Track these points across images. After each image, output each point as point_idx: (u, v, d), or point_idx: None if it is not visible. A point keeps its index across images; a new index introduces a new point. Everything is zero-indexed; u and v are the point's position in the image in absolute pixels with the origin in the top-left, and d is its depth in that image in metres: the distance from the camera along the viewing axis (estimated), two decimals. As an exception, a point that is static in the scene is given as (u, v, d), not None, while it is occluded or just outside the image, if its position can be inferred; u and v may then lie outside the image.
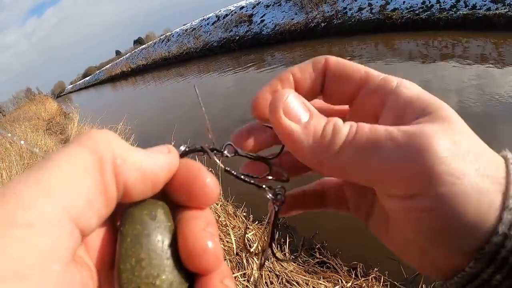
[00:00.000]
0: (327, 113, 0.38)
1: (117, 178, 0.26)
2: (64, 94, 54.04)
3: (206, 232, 0.28)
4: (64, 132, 10.87)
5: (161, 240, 0.27)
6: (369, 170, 0.31)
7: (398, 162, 0.30)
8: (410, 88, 0.35)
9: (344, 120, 0.37)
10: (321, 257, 2.96)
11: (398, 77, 0.38)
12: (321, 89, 0.41)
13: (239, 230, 3.15)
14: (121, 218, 0.28)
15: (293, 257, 2.74)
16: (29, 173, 0.23)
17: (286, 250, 3.06)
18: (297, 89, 0.40)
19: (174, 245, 0.27)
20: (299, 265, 2.88)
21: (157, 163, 0.28)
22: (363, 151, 0.31)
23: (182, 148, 0.36)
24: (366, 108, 0.39)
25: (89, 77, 57.38)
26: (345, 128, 0.33)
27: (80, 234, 0.23)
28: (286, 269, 2.70)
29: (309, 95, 0.40)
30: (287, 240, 3.17)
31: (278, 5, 19.84)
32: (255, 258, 2.71)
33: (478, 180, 0.29)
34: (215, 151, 0.39)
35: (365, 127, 0.32)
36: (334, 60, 0.40)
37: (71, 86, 67.78)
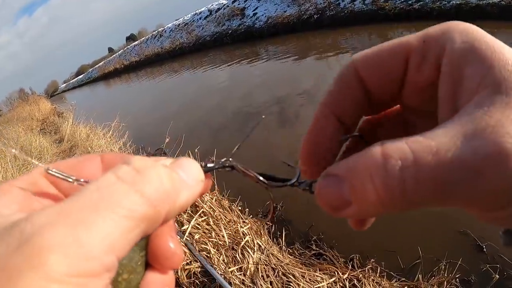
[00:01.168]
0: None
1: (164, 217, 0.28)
2: (58, 94, 53.82)
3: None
4: (58, 131, 10.84)
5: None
6: (447, 204, 0.27)
7: (480, 190, 0.25)
8: (462, 43, 0.30)
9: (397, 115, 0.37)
10: (317, 249, 2.97)
11: None
12: (367, 95, 0.36)
13: (234, 224, 3.15)
14: None
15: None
16: (87, 216, 0.24)
17: (282, 243, 3.07)
18: (342, 120, 0.36)
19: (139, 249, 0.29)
20: (296, 257, 2.89)
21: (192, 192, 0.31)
22: (433, 189, 0.26)
23: (210, 164, 0.35)
24: (421, 82, 0.33)
25: (82, 76, 57.17)
26: (397, 178, 0.26)
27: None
28: (282, 262, 2.71)
29: (356, 116, 0.37)
30: (283, 233, 3.17)
31: (270, -2, 19.79)
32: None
33: None
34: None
35: (428, 162, 0.26)
36: (362, 60, 0.35)
37: (64, 85, 67.47)
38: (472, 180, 0.25)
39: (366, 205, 0.29)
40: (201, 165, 0.33)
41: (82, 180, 0.30)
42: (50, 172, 0.28)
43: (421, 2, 11.14)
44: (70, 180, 0.29)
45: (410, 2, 11.57)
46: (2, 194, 0.28)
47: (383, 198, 0.27)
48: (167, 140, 5.29)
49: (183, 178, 0.30)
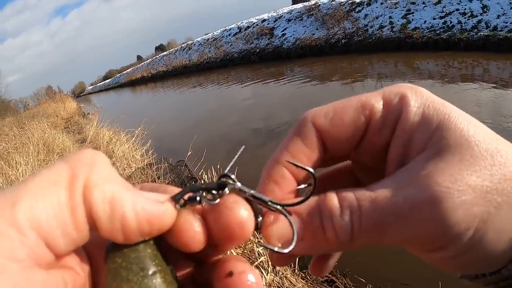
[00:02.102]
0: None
1: (85, 202, 0.24)
2: (84, 95, 54.86)
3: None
4: (82, 132, 11.01)
5: (141, 272, 0.26)
6: (386, 242, 0.31)
7: (411, 230, 0.30)
8: (415, 107, 0.33)
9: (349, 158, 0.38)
10: (330, 275, 2.92)
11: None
12: (324, 152, 0.36)
13: (250, 243, 3.10)
14: (105, 251, 0.27)
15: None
16: (10, 187, 0.24)
17: (296, 266, 3.03)
18: (295, 176, 0.36)
19: (154, 276, 0.26)
20: (308, 282, 2.85)
21: (135, 207, 0.25)
22: (375, 231, 0.30)
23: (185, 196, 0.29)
24: (378, 144, 0.35)
25: (109, 80, 58.16)
26: (345, 220, 0.31)
27: (46, 246, 0.23)
28: (294, 286, 2.68)
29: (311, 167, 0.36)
30: (297, 257, 3.14)
31: (300, 20, 19.96)
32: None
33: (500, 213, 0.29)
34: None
35: (368, 209, 0.30)
36: (323, 119, 0.35)
37: (91, 87, 68.74)
38: (402, 223, 0.29)
39: (320, 242, 0.32)
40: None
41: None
42: None
43: (449, 32, 11.10)
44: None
45: (438, 31, 11.54)
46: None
47: (338, 235, 0.31)
48: (189, 153, 5.32)
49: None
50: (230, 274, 0.29)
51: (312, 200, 0.33)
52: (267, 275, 2.68)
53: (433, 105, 0.32)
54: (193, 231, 0.28)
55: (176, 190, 0.30)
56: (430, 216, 0.28)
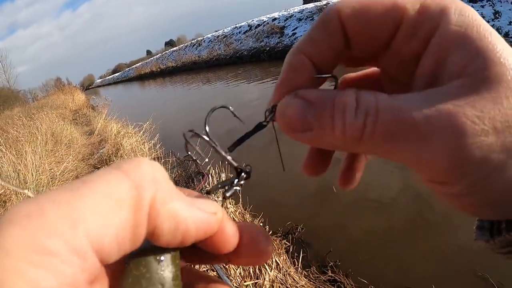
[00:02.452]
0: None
1: (150, 220, 0.24)
2: (93, 87, 55.33)
3: None
4: (90, 124, 11.06)
5: (161, 286, 0.25)
6: (394, 157, 0.29)
7: (424, 153, 0.27)
8: (457, 24, 0.29)
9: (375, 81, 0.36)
10: (332, 275, 2.92)
11: None
12: (347, 47, 0.34)
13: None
14: (130, 252, 0.26)
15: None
16: (61, 195, 0.21)
17: (299, 264, 3.03)
18: (317, 67, 0.34)
19: None
20: (310, 280, 2.85)
21: (196, 220, 0.26)
22: (386, 140, 0.28)
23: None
24: (406, 53, 0.32)
25: (118, 73, 58.59)
26: (358, 119, 0.29)
27: (100, 265, 0.23)
28: (297, 283, 2.68)
29: (332, 64, 0.35)
30: (301, 255, 3.14)
31: (311, 20, 19.94)
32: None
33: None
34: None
35: (387, 114, 0.28)
36: (349, 11, 0.32)
37: (100, 80, 69.29)
38: (418, 142, 0.27)
39: (326, 135, 0.30)
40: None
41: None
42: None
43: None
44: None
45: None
46: None
47: (346, 133, 0.29)
48: (197, 148, 5.33)
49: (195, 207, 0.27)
50: None
51: (328, 90, 0.31)
52: (270, 272, 2.69)
53: (478, 29, 0.29)
54: (234, 231, 0.30)
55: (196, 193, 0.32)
56: (446, 146, 0.26)
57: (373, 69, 0.40)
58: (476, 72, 0.27)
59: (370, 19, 0.31)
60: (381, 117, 0.28)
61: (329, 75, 0.35)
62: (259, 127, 0.38)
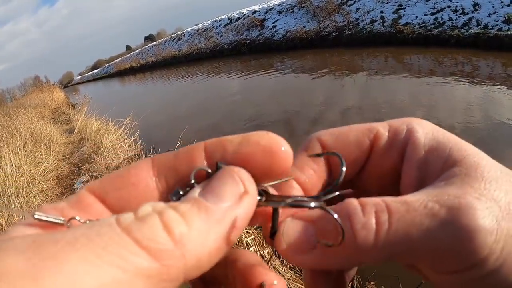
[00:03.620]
0: None
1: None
2: (72, 85, 54.28)
3: None
4: (69, 122, 10.90)
5: None
6: (413, 253, 0.28)
7: (445, 241, 0.27)
8: (424, 133, 0.33)
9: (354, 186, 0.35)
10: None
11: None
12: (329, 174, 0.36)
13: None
14: None
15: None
16: (61, 258, 0.19)
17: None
18: (304, 188, 0.35)
19: None
20: (296, 272, 2.87)
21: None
22: (404, 236, 0.27)
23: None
24: (383, 168, 0.35)
25: (98, 70, 57.61)
26: (369, 220, 0.28)
27: None
28: (283, 276, 2.69)
29: (319, 183, 0.36)
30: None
31: (291, 12, 19.90)
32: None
33: None
34: None
35: (399, 210, 0.28)
36: (328, 137, 0.36)
37: (79, 77, 68.04)
38: (438, 227, 0.27)
39: (329, 252, 0.29)
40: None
41: (77, 218, 0.25)
42: (37, 217, 0.24)
43: (440, 28, 11.16)
44: (61, 221, 0.25)
45: (429, 27, 11.59)
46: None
47: (357, 238, 0.28)
48: (178, 144, 5.31)
49: (214, 210, 0.25)
50: (262, 286, 0.29)
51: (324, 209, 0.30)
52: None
53: (441, 131, 0.33)
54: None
55: None
56: (465, 225, 0.27)
57: (347, 191, 0.36)
58: (458, 163, 0.31)
59: (348, 141, 0.35)
60: (394, 212, 0.28)
61: (331, 152, 0.35)
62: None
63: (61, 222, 0.25)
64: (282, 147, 0.29)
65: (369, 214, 0.28)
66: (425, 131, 0.33)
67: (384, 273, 2.72)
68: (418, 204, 0.28)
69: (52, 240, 0.19)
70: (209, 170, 0.28)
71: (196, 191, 0.26)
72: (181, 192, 0.27)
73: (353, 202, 0.29)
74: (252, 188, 0.27)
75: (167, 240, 0.21)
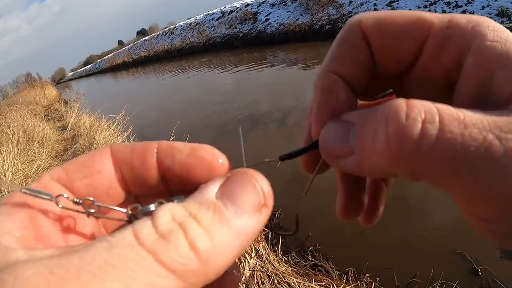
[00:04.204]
0: None
1: None
2: (64, 81, 53.91)
3: None
4: (62, 119, 10.84)
5: None
6: (447, 184, 0.24)
7: (491, 182, 0.22)
8: (496, 40, 0.26)
9: (403, 89, 0.31)
10: (313, 259, 2.95)
11: None
12: (373, 62, 0.32)
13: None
14: None
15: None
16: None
17: (278, 250, 3.06)
18: (350, 85, 0.31)
19: None
20: (291, 266, 2.88)
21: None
22: (446, 162, 0.23)
23: None
24: (435, 72, 0.29)
25: (90, 66, 57.23)
26: (415, 125, 0.23)
27: None
28: (278, 270, 2.70)
29: (364, 81, 0.32)
30: (280, 241, 3.17)
31: (284, 5, 19.83)
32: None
33: None
34: None
35: (453, 119, 0.23)
36: (370, 23, 0.30)
37: (71, 73, 67.61)
38: (487, 169, 0.22)
39: (369, 156, 0.26)
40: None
41: (65, 195, 0.26)
42: (25, 192, 0.24)
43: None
44: (48, 197, 0.25)
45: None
46: (8, 216, 0.24)
47: (393, 147, 0.24)
48: (172, 138, 5.30)
49: (235, 222, 0.23)
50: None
51: (375, 108, 0.26)
52: (250, 260, 2.70)
53: None
54: None
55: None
56: None
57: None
58: None
59: (394, 30, 0.29)
60: (446, 128, 0.23)
61: (390, 90, 0.31)
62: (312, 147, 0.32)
63: (49, 198, 0.25)
64: (220, 159, 0.29)
65: (415, 120, 0.23)
66: (498, 38, 0.26)
67: (379, 265, 2.73)
68: (478, 129, 0.22)
69: (73, 272, 0.18)
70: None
71: (213, 191, 0.24)
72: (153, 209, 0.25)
73: (399, 101, 0.24)
74: (270, 201, 0.25)
75: (194, 261, 0.20)
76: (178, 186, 0.30)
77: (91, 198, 0.27)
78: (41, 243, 0.24)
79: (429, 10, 11.57)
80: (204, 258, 0.21)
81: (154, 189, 0.30)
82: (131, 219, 0.26)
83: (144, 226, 0.21)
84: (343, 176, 0.35)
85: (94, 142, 6.67)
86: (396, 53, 0.30)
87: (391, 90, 0.31)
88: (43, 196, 0.25)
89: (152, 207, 0.25)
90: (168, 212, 0.22)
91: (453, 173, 0.23)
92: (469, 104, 0.26)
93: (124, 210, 0.27)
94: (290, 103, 7.67)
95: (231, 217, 0.23)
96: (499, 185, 0.22)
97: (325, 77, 0.32)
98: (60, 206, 0.26)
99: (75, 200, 0.26)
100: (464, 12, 10.55)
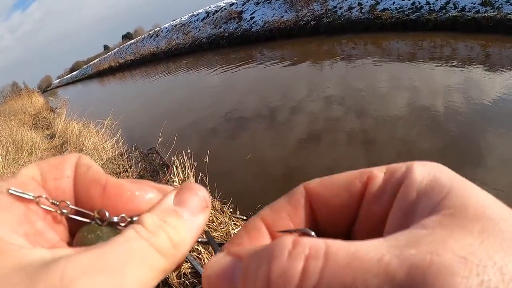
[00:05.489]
0: None
1: None
2: (51, 89, 53.42)
3: None
4: (51, 127, 10.76)
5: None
6: None
7: None
8: (424, 173, 0.26)
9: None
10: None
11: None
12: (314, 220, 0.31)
13: (225, 226, 3.17)
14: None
15: None
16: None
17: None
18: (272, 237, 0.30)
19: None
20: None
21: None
22: None
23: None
24: (375, 216, 0.29)
25: (76, 72, 56.76)
26: (294, 265, 0.21)
27: None
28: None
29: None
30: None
31: (268, 3, 19.85)
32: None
33: None
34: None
35: (340, 258, 0.20)
36: (315, 182, 0.31)
37: (58, 80, 66.94)
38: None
39: None
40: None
41: (44, 196, 0.30)
42: (12, 192, 0.28)
43: (418, 13, 11.24)
44: (31, 197, 0.29)
45: (406, 12, 11.67)
46: (6, 211, 0.28)
47: (270, 283, 0.22)
48: (160, 139, 5.30)
49: (189, 223, 0.31)
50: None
51: (270, 243, 0.25)
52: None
53: (449, 173, 0.26)
54: None
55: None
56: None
57: None
58: (451, 208, 0.22)
59: (337, 185, 0.30)
60: (331, 264, 0.20)
61: (300, 229, 0.30)
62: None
63: (32, 198, 0.29)
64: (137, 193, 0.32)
65: (296, 258, 0.21)
66: (426, 171, 0.27)
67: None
68: (370, 254, 0.20)
69: (105, 264, 0.24)
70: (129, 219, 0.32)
71: (170, 200, 0.32)
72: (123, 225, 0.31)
73: (286, 240, 0.23)
74: (209, 203, 0.33)
75: (171, 248, 0.28)
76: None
77: (68, 202, 0.31)
78: (40, 239, 0.29)
79: (413, 2, 11.71)
80: (175, 246, 0.29)
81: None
82: (96, 220, 0.31)
83: (139, 227, 0.28)
84: None
85: (83, 149, 6.65)
86: (338, 207, 0.30)
87: (301, 229, 0.30)
88: (26, 196, 0.29)
89: (115, 218, 0.31)
90: (150, 218, 0.29)
91: None
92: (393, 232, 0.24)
93: (91, 213, 0.32)
94: (277, 99, 7.70)
95: (186, 217, 0.31)
96: None
97: (251, 221, 0.31)
98: (42, 206, 0.30)
99: (53, 201, 0.30)
100: (448, 2, 10.68)
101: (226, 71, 13.50)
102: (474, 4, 9.96)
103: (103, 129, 7.54)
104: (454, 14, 10.12)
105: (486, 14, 9.29)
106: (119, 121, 7.78)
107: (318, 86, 8.12)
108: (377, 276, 0.19)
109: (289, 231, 0.29)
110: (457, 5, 10.38)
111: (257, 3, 20.79)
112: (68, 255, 0.24)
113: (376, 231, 0.28)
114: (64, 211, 0.31)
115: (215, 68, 14.79)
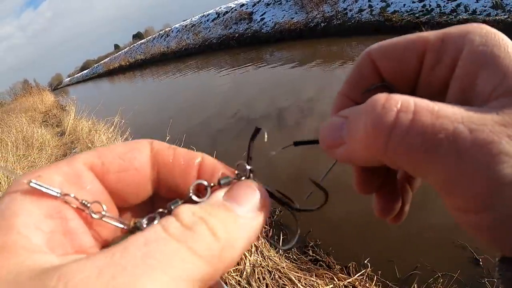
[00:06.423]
0: None
1: None
2: (62, 87, 53.84)
3: None
4: (61, 124, 10.83)
5: None
6: (422, 172, 0.25)
7: (460, 169, 0.23)
8: (481, 43, 0.27)
9: None
10: (314, 255, 2.96)
11: None
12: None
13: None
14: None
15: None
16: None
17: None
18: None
19: None
20: (292, 262, 2.89)
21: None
22: (419, 148, 0.24)
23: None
24: (434, 83, 0.31)
25: (87, 71, 57.23)
26: (387, 117, 0.26)
27: None
28: (278, 265, 2.70)
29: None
30: (281, 237, 3.18)
31: (279, 4, 19.81)
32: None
33: None
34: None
35: (426, 114, 0.24)
36: (377, 48, 0.34)
37: (68, 79, 67.53)
38: (455, 156, 0.23)
39: (353, 145, 0.29)
40: (266, 190, 0.31)
41: (72, 195, 0.25)
42: (33, 185, 0.24)
43: (428, 16, 11.15)
44: (56, 194, 0.25)
45: (417, 15, 11.58)
46: (33, 201, 0.24)
47: (369, 135, 0.26)
48: (168, 137, 5.30)
49: (241, 219, 0.26)
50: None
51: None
52: (250, 256, 2.70)
53: (504, 47, 0.27)
54: None
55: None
56: (486, 168, 0.22)
57: None
58: (508, 93, 0.25)
59: (396, 53, 0.33)
60: (418, 117, 0.24)
61: (379, 84, 0.35)
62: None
63: (57, 194, 0.25)
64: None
65: (389, 109, 0.25)
66: (483, 41, 0.27)
67: (380, 258, 2.74)
68: (449, 121, 0.24)
69: (121, 268, 0.20)
70: (212, 184, 0.29)
71: (220, 195, 0.28)
72: (180, 203, 0.28)
73: (380, 95, 0.27)
74: (267, 203, 0.29)
75: (216, 246, 0.23)
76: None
77: (104, 207, 0.27)
78: (67, 240, 0.24)
79: (424, 5, 11.60)
80: (222, 245, 0.24)
81: (174, 195, 0.31)
82: (133, 229, 0.27)
83: (170, 221, 0.24)
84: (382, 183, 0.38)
85: (93, 146, 6.68)
86: (400, 72, 0.33)
87: (380, 84, 0.34)
88: (51, 192, 0.24)
89: (144, 221, 0.26)
90: (188, 210, 0.25)
91: (425, 161, 0.25)
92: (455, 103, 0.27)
93: (122, 225, 0.28)
94: (286, 101, 7.67)
95: (239, 213, 0.26)
96: (468, 172, 0.23)
97: (336, 100, 0.37)
98: (73, 205, 0.26)
99: (83, 201, 0.26)
100: (458, 5, 10.57)
101: (235, 71, 13.50)
102: (485, 7, 9.85)
103: (113, 127, 7.58)
104: (465, 17, 10.01)
105: (497, 17, 9.18)
106: (128, 119, 7.81)
107: (328, 87, 8.07)
108: (450, 141, 0.23)
109: (372, 89, 0.34)
110: (468, 8, 10.29)
111: (268, 4, 20.76)
112: (69, 262, 0.20)
113: (435, 96, 0.30)
114: (95, 215, 0.26)
115: (225, 69, 14.79)
